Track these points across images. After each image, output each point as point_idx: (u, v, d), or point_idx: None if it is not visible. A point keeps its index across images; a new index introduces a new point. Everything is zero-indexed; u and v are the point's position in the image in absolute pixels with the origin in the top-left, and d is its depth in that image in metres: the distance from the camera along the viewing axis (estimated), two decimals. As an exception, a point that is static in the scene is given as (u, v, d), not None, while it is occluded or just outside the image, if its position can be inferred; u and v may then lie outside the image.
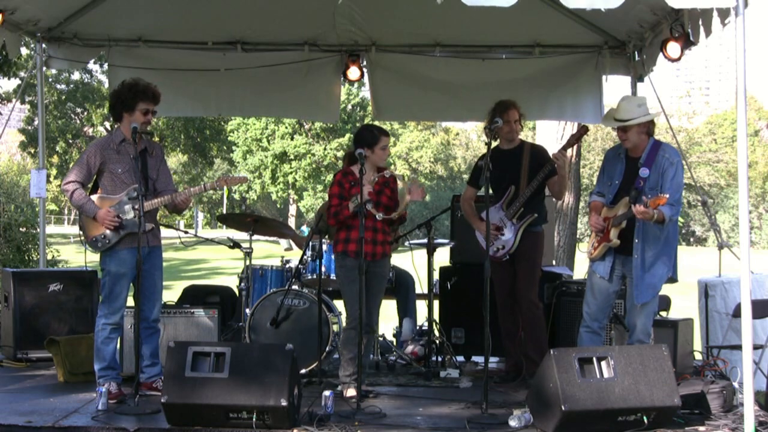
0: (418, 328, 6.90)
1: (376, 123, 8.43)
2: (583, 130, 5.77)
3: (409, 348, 6.58)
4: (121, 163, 5.15)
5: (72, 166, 5.27)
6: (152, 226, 5.21)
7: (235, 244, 6.73)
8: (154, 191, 5.26)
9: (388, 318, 7.25)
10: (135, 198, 5.07)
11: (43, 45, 7.30)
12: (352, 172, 5.36)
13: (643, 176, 5.05)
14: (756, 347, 5.43)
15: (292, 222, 42.69)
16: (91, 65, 25.73)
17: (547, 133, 9.41)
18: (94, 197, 5.18)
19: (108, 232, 5.11)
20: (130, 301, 5.28)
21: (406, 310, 7.00)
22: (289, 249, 10.04)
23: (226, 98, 7.90)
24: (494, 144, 5.62)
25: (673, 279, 5.21)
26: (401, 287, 6.95)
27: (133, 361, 5.22)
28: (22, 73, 14.56)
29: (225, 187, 5.70)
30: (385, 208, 5.36)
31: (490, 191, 5.82)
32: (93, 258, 5.63)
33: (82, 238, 5.24)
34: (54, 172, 36.24)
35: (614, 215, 5.14)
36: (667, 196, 4.78)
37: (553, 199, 6.58)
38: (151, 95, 5.17)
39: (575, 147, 7.85)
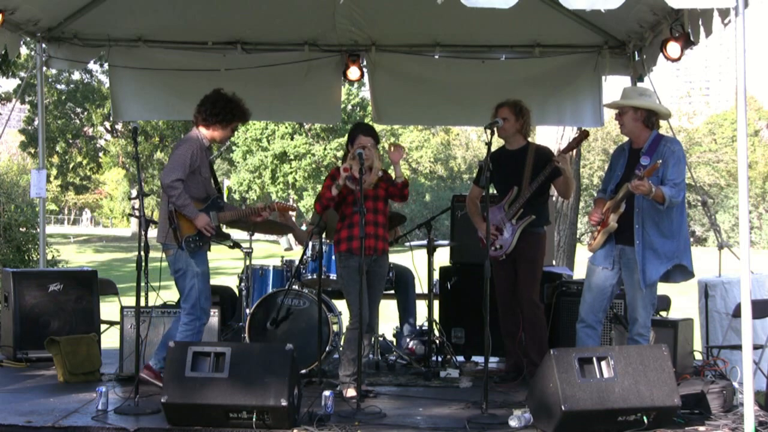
0: (418, 328, 6.90)
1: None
2: (583, 135, 5.77)
3: (408, 343, 6.58)
4: (207, 167, 5.35)
5: (171, 161, 5.26)
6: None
7: (235, 244, 6.73)
8: None
9: (388, 318, 7.24)
10: (217, 206, 5.36)
11: (43, 45, 7.31)
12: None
13: (643, 163, 5.02)
14: (756, 347, 5.43)
15: (291, 222, 42.57)
16: (91, 65, 25.70)
17: (547, 134, 9.40)
18: None
19: (200, 234, 5.32)
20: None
21: (406, 307, 6.98)
22: (289, 249, 10.04)
23: None
24: (495, 144, 5.61)
25: (689, 273, 5.15)
26: (401, 284, 6.92)
27: (133, 361, 5.22)
28: (22, 73, 14.56)
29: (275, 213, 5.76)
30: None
31: (495, 191, 5.84)
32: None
33: (167, 236, 5.32)
34: (54, 172, 36.21)
35: (614, 201, 5.13)
36: (660, 161, 4.77)
37: (553, 199, 6.56)
38: (245, 117, 5.54)
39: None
